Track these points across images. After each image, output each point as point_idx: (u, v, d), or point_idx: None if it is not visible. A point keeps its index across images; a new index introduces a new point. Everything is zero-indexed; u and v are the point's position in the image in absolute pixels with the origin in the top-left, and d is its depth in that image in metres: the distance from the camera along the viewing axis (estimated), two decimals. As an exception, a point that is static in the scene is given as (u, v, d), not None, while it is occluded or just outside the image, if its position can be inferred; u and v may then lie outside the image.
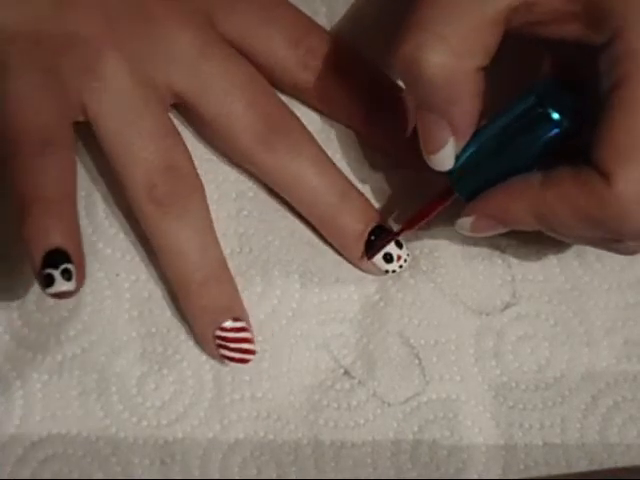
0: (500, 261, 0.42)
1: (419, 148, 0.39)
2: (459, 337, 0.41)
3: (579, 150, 0.34)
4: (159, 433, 0.40)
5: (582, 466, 0.40)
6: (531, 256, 0.42)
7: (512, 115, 0.35)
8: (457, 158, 0.36)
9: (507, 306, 0.41)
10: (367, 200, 0.41)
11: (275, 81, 0.40)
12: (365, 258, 0.40)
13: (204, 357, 0.40)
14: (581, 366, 0.41)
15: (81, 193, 0.41)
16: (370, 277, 0.41)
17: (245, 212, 0.41)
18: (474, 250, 0.42)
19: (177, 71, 0.38)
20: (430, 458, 0.40)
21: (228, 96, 0.38)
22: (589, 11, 0.32)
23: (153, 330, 0.40)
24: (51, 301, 0.40)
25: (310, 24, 0.41)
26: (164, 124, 0.39)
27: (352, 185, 0.40)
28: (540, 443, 0.41)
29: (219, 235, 0.40)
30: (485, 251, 0.42)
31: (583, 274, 0.42)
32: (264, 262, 0.41)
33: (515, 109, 0.35)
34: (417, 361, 0.41)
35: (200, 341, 0.40)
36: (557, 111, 0.34)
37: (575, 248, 0.42)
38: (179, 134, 0.39)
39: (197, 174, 0.39)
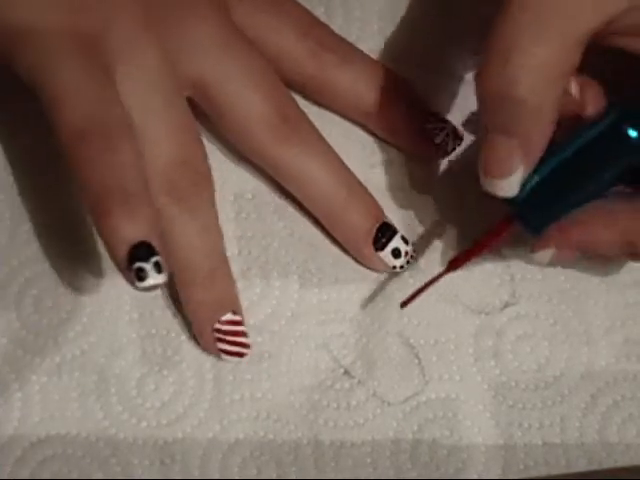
0: (499, 260, 0.42)
1: (423, 137, 0.40)
2: (458, 337, 0.41)
3: None
4: (159, 433, 0.40)
5: (581, 465, 0.40)
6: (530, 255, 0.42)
7: (586, 139, 0.34)
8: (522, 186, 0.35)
9: (506, 305, 0.41)
10: (373, 197, 0.41)
11: (283, 72, 0.40)
12: (373, 254, 0.40)
13: (204, 358, 0.40)
14: (580, 365, 0.41)
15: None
16: (370, 277, 0.41)
17: (243, 214, 0.41)
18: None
19: (201, 58, 0.38)
20: (430, 458, 0.40)
21: (247, 87, 0.39)
22: None
23: (153, 331, 0.40)
24: (50, 302, 0.40)
25: (316, 19, 0.41)
26: (186, 118, 0.39)
27: (359, 181, 0.41)
28: (540, 442, 0.41)
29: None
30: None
31: (583, 273, 0.42)
32: (263, 263, 0.41)
33: (588, 133, 0.34)
34: (417, 361, 0.41)
35: (198, 334, 0.40)
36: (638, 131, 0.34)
37: (575, 247, 0.42)
38: (197, 129, 0.39)
39: (210, 169, 0.39)
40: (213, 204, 0.39)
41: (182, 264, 0.39)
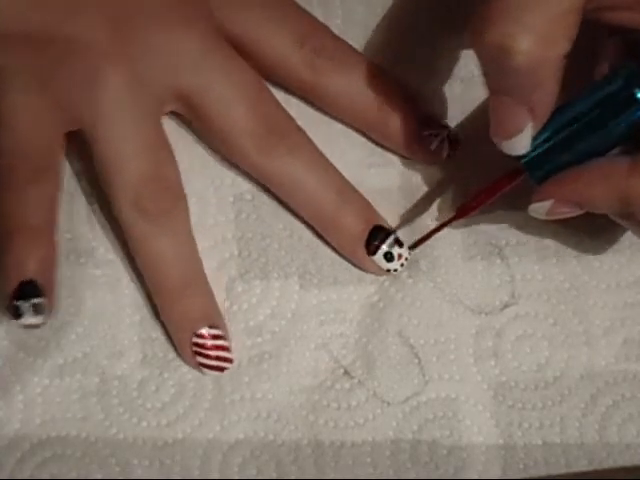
0: (499, 261, 0.42)
1: (418, 143, 0.40)
2: (458, 337, 0.41)
3: None
4: (159, 434, 0.40)
5: (581, 465, 0.40)
6: (530, 255, 0.42)
7: (595, 98, 0.35)
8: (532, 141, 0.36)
9: (506, 305, 0.41)
10: (365, 200, 0.41)
11: (280, 80, 0.41)
12: (366, 257, 0.40)
13: (204, 359, 0.40)
14: (580, 365, 0.41)
15: (82, 199, 0.41)
16: (369, 277, 0.41)
17: (243, 215, 0.41)
18: (473, 250, 0.42)
19: (181, 70, 0.38)
20: (430, 457, 0.40)
21: (229, 96, 0.39)
22: None
23: (154, 335, 0.40)
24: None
25: (315, 23, 0.41)
26: (157, 136, 0.39)
27: (350, 185, 0.40)
28: (539, 442, 0.41)
29: (219, 239, 0.40)
30: (484, 251, 0.42)
31: (582, 273, 0.42)
32: (263, 264, 0.41)
33: (598, 92, 0.35)
34: (416, 361, 0.41)
35: (179, 349, 0.40)
36: None
37: (574, 247, 0.42)
38: (170, 146, 0.39)
39: (182, 186, 0.39)
40: (186, 219, 0.39)
41: (154, 280, 0.39)
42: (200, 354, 0.39)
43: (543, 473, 0.40)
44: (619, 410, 0.41)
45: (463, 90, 0.43)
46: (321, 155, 0.40)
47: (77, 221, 0.41)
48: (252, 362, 0.40)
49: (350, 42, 0.42)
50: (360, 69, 0.41)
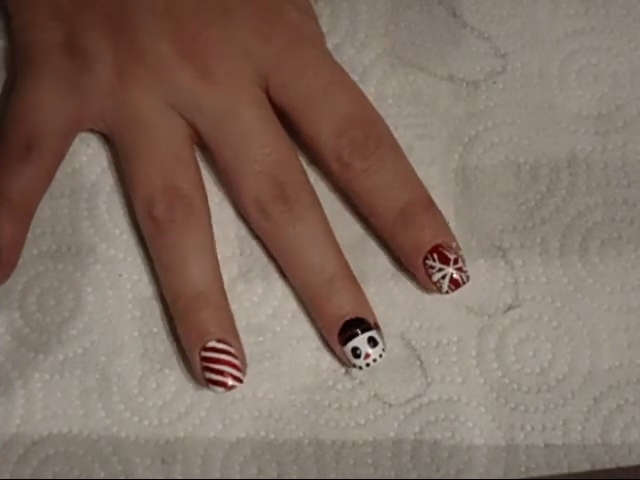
0: (503, 263, 0.42)
1: (422, 268, 0.40)
2: (461, 339, 0.41)
3: None
4: (160, 432, 0.40)
5: (584, 468, 0.40)
6: (534, 258, 0.42)
7: None
8: None
9: (509, 308, 0.41)
10: (359, 289, 0.40)
11: (312, 156, 0.41)
12: (337, 345, 0.39)
13: (205, 357, 0.40)
14: (584, 368, 0.41)
15: (84, 194, 0.41)
16: (371, 278, 0.41)
17: (246, 213, 0.42)
18: (476, 252, 0.41)
19: (202, 121, 0.39)
20: (431, 459, 0.40)
21: (240, 156, 0.39)
22: None
23: (155, 330, 0.40)
24: (52, 301, 0.40)
25: (364, 115, 0.40)
26: (174, 150, 0.39)
27: (346, 268, 0.40)
28: (541, 445, 0.40)
29: (220, 238, 0.40)
30: (487, 253, 0.42)
31: (586, 276, 0.42)
32: (265, 264, 0.41)
33: None
34: (418, 363, 0.41)
35: (190, 363, 0.39)
36: None
37: (579, 250, 0.42)
38: (192, 162, 0.40)
39: (202, 198, 0.40)
40: (202, 231, 0.40)
41: (166, 289, 0.40)
42: (206, 368, 0.38)
43: (545, 475, 0.40)
44: (622, 414, 0.41)
45: (467, 93, 0.43)
46: (327, 233, 0.40)
47: (78, 216, 0.41)
48: (253, 361, 0.40)
49: (357, 43, 0.43)
50: (386, 176, 0.39)
